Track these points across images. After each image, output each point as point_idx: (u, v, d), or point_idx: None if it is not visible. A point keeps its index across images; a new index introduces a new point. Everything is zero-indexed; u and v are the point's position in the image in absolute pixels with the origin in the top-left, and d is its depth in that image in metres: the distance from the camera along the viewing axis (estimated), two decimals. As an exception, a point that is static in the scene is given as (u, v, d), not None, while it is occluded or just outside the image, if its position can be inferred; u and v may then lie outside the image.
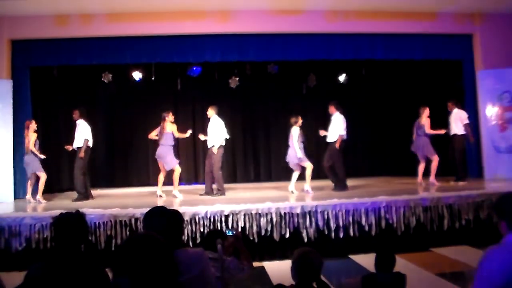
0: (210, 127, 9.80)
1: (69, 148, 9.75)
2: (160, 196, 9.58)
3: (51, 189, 10.79)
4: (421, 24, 11.04)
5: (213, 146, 9.64)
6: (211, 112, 9.88)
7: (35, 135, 9.37)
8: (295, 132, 9.61)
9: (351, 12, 10.83)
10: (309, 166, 9.66)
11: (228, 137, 9.93)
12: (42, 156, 9.39)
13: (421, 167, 10.26)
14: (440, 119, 10.52)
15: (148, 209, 3.07)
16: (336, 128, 9.68)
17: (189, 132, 9.95)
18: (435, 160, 10.06)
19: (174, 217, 3.07)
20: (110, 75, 11.73)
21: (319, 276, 3.25)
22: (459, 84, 11.82)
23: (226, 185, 10.22)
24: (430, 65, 11.79)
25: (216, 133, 9.68)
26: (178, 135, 9.71)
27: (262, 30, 10.74)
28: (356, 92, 13.65)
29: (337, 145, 9.58)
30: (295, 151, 9.56)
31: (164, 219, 2.95)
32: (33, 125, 9.39)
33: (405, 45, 11.24)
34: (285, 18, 10.65)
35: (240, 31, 10.71)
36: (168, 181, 10.03)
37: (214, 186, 9.82)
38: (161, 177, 9.70)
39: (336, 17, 10.82)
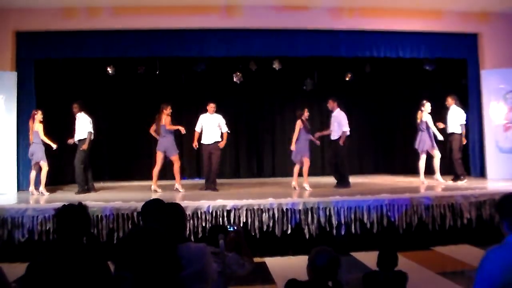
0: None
1: (72, 141, 9.75)
2: (155, 191, 9.52)
3: (54, 181, 10.80)
4: (427, 22, 11.00)
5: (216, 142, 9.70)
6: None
7: (41, 125, 9.41)
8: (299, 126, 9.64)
9: (356, 9, 10.80)
10: (306, 162, 9.67)
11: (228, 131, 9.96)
12: (54, 146, 9.47)
13: (421, 163, 10.18)
14: (444, 117, 10.51)
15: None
16: (339, 125, 9.68)
17: (182, 128, 9.86)
18: (436, 157, 10.04)
19: (173, 211, 3.06)
20: (114, 68, 11.75)
21: (335, 276, 3.24)
22: (463, 83, 11.79)
23: (229, 180, 10.27)
24: (434, 64, 11.76)
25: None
26: (169, 127, 9.61)
27: (267, 25, 10.71)
28: (360, 89, 13.63)
29: (341, 142, 9.58)
30: (300, 144, 9.61)
31: (160, 212, 2.94)
32: (38, 116, 9.41)
33: (410, 43, 11.22)
34: (290, 14, 10.62)
35: (245, 27, 10.69)
36: (170, 175, 10.03)
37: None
38: (156, 171, 9.64)
39: (341, 14, 10.79)
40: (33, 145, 9.35)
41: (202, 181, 10.48)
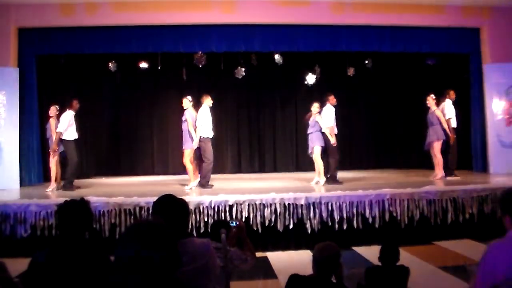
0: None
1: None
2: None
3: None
4: (429, 17, 10.96)
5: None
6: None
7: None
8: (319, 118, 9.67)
9: (358, 4, 10.76)
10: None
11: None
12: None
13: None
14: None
15: (155, 198, 3.06)
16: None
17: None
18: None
19: (182, 206, 3.07)
20: (116, 64, 11.75)
21: (336, 270, 3.27)
22: (465, 77, 11.76)
23: (232, 175, 10.22)
24: (437, 58, 11.72)
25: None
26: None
27: (268, 20, 10.68)
28: (362, 84, 13.60)
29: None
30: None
31: (173, 208, 2.95)
32: (51, 111, 9.51)
33: (413, 38, 11.17)
34: (291, 9, 10.58)
35: (247, 22, 10.65)
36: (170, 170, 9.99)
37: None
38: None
39: (343, 9, 10.75)
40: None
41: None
